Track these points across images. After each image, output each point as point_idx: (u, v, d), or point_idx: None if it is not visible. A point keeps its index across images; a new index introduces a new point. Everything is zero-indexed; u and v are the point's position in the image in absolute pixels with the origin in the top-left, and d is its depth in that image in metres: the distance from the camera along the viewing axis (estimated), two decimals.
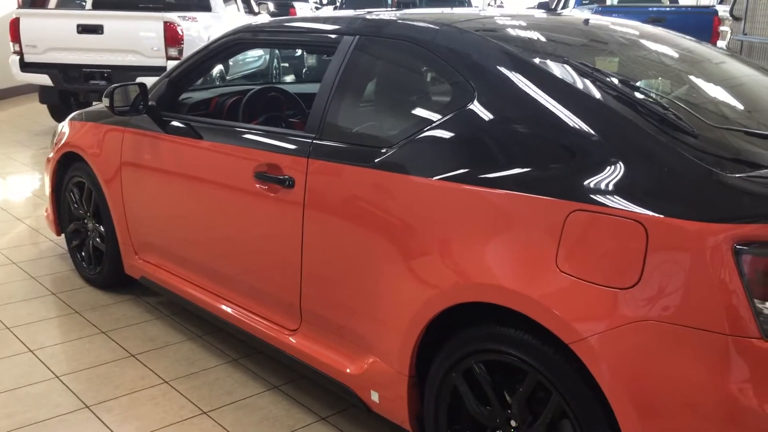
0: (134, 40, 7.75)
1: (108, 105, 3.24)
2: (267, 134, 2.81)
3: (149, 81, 7.66)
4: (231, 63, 7.39)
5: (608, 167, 1.86)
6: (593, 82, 2.11)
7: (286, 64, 11.17)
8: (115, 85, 3.26)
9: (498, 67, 2.19)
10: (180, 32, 7.72)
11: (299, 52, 7.24)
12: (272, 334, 2.82)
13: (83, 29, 7.79)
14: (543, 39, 2.47)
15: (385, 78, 2.63)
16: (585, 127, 1.95)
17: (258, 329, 2.88)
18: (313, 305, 2.64)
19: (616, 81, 2.14)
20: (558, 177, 1.91)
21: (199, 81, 3.57)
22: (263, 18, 10.51)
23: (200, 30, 8.17)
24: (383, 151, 2.34)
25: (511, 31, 2.50)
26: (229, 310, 3.03)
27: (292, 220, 2.63)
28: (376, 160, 2.35)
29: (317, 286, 2.60)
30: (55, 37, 7.84)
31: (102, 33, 7.75)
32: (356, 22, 2.67)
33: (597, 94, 2.05)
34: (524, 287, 1.89)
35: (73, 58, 7.87)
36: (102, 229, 3.82)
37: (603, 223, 1.80)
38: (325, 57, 5.07)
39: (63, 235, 4.22)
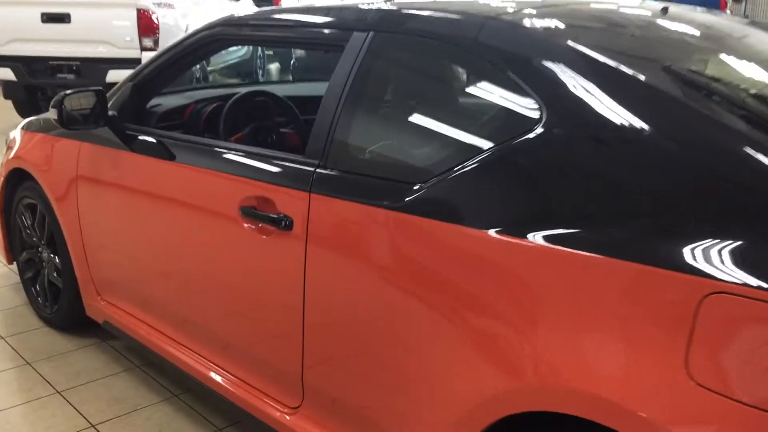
0: (105, 29, 7.09)
1: (56, 118, 2.61)
2: (256, 157, 2.20)
3: (122, 75, 7.00)
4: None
5: (763, 227, 1.27)
6: (711, 97, 1.52)
7: (270, 52, 10.49)
8: (65, 92, 2.63)
9: (580, 78, 1.59)
10: (155, 20, 7.07)
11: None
12: (266, 411, 2.22)
13: (48, 18, 7.11)
14: (628, 35, 1.87)
15: (413, 89, 2.01)
16: (722, 167, 1.36)
17: (248, 402, 2.28)
18: (319, 380, 2.05)
19: (743, 95, 1.55)
20: (680, 241, 1.32)
21: (170, 85, 2.94)
22: (245, 5, 9.85)
23: (178, 18, 7.52)
24: (416, 187, 1.74)
25: (585, 27, 1.89)
26: (212, 375, 2.43)
27: (291, 270, 2.03)
28: (405, 200, 1.75)
29: (324, 355, 2.01)
30: (17, 27, 7.15)
31: (69, 22, 7.08)
32: (370, 14, 2.05)
33: (726, 117, 1.46)
34: (643, 404, 1.30)
35: (38, 50, 7.18)
36: (57, 261, 3.20)
37: (760, 313, 1.21)
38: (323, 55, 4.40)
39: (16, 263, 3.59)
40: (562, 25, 1.80)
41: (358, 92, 1.96)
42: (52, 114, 2.63)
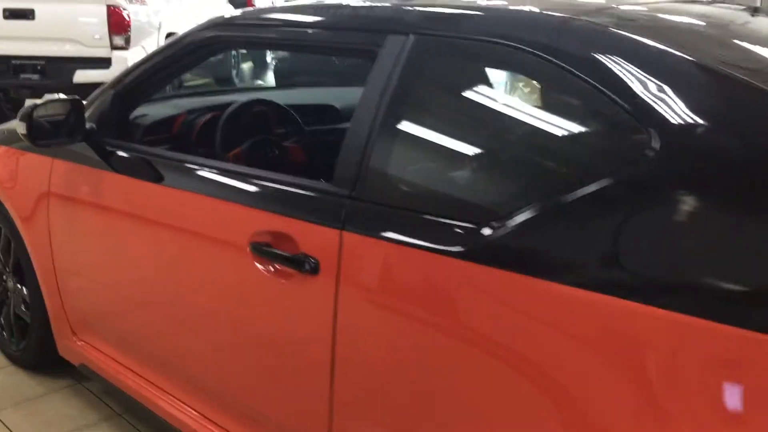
0: (72, 26, 6.68)
1: (25, 132, 2.22)
2: (269, 181, 1.85)
3: (90, 75, 6.54)
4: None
5: None
6: None
7: (244, 51, 10.02)
8: (36, 102, 2.24)
9: (701, 95, 1.26)
10: (126, 17, 6.68)
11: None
12: None
13: (11, 14, 6.68)
14: (741, 44, 1.55)
15: (473, 104, 1.66)
16: None
17: None
18: None
19: None
20: None
21: (156, 94, 2.56)
22: (221, 3, 9.38)
23: (150, 15, 7.13)
24: (484, 231, 1.40)
25: (693, 32, 1.56)
26: None
27: (316, 323, 1.68)
28: (469, 245, 1.40)
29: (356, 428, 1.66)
30: None
31: (33, 18, 6.66)
32: (412, 14, 1.70)
33: None
34: None
35: (0, 49, 6.70)
36: (25, 292, 2.80)
37: None
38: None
39: None
40: (664, 31, 1.48)
41: (399, 107, 1.62)
42: (19, 127, 2.24)
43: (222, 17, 2.16)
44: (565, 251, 1.29)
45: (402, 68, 1.63)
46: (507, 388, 1.34)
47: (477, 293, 1.39)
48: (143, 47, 6.88)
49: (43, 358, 2.85)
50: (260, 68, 9.88)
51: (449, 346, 1.43)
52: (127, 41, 6.71)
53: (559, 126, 1.45)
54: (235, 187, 1.92)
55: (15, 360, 2.97)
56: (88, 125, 2.33)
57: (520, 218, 1.35)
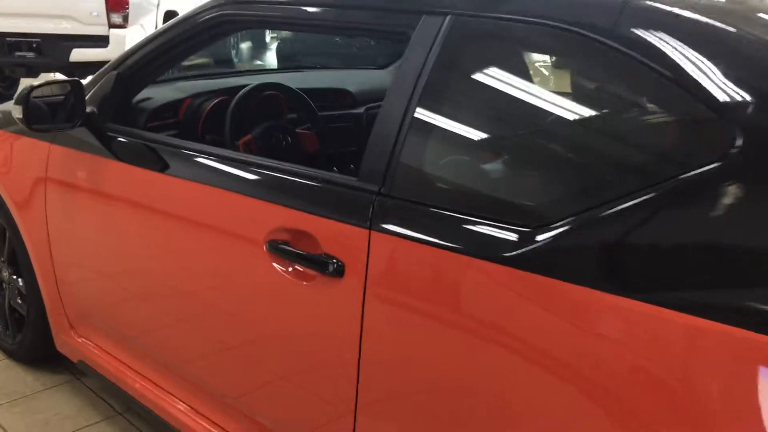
0: (68, 3, 6.50)
1: (21, 117, 2.07)
2: (287, 173, 1.70)
3: (87, 53, 6.36)
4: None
5: None
6: None
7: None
8: (33, 84, 2.08)
9: None
10: None
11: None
12: None
13: None
14: None
15: (521, 92, 1.51)
16: None
17: None
18: None
19: None
20: None
21: (161, 76, 2.40)
22: None
23: None
24: (537, 237, 1.25)
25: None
26: None
27: (340, 330, 1.54)
28: (521, 252, 1.26)
29: None
30: None
31: None
32: None
33: None
34: None
35: None
36: (21, 284, 2.66)
37: None
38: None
39: None
40: (744, 18, 1.33)
41: (435, 95, 1.47)
42: (15, 111, 2.09)
43: None
44: (645, 262, 1.14)
45: (439, 52, 1.47)
46: (563, 409, 1.21)
47: (532, 306, 1.24)
48: (141, 25, 6.70)
49: (40, 352, 2.72)
50: (260, 49, 9.65)
51: (500, 360, 1.29)
52: (125, 19, 6.54)
53: (625, 118, 1.31)
54: (248, 179, 1.77)
55: (10, 354, 2.84)
56: (88, 109, 2.17)
57: (581, 222, 1.20)
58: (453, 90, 1.48)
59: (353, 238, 1.50)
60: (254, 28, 2.41)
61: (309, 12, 1.83)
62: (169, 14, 7.41)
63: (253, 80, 2.73)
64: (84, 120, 2.16)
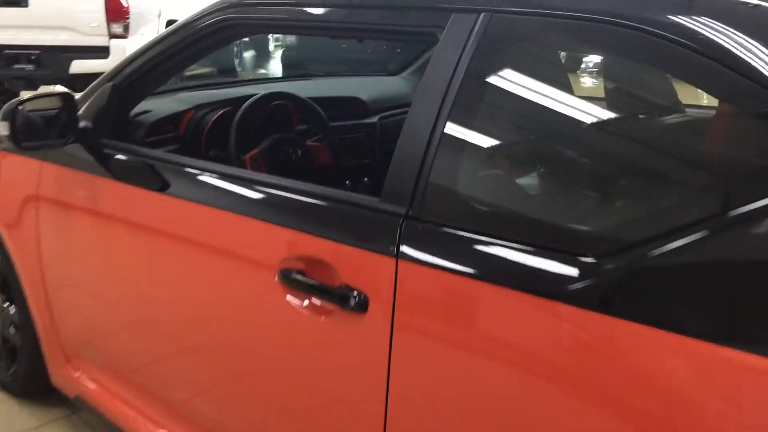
0: (68, 14, 6.38)
1: (8, 134, 1.89)
2: (298, 192, 1.52)
3: (87, 65, 6.20)
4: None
5: None
6: None
7: (246, 39, 9.61)
8: (19, 99, 1.91)
9: None
10: (125, 4, 6.36)
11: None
12: None
13: (3, 2, 6.39)
14: None
15: (566, 101, 1.33)
16: None
17: None
18: None
19: None
20: None
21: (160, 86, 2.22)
22: None
23: (150, 1, 6.79)
24: (600, 265, 1.06)
25: None
26: None
27: (364, 370, 1.36)
28: (577, 287, 1.07)
29: None
30: None
31: (27, 6, 6.36)
32: None
33: None
34: None
35: None
36: (13, 313, 2.48)
37: None
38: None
39: None
40: None
41: (470, 104, 1.29)
42: (1, 128, 1.91)
43: None
44: (739, 302, 0.96)
45: (473, 55, 1.29)
46: None
47: (597, 351, 1.05)
48: (143, 35, 6.55)
49: (35, 385, 2.53)
50: (263, 57, 9.48)
51: (559, 411, 1.10)
52: (126, 29, 6.42)
53: (699, 126, 1.12)
54: (257, 199, 1.59)
55: (5, 387, 2.65)
56: (81, 123, 2.00)
57: (660, 251, 1.01)
58: (490, 98, 1.30)
59: (377, 268, 1.32)
60: (261, 32, 2.23)
61: (320, 13, 1.65)
62: (171, 24, 7.27)
63: (259, 89, 2.55)
64: (77, 136, 1.99)
